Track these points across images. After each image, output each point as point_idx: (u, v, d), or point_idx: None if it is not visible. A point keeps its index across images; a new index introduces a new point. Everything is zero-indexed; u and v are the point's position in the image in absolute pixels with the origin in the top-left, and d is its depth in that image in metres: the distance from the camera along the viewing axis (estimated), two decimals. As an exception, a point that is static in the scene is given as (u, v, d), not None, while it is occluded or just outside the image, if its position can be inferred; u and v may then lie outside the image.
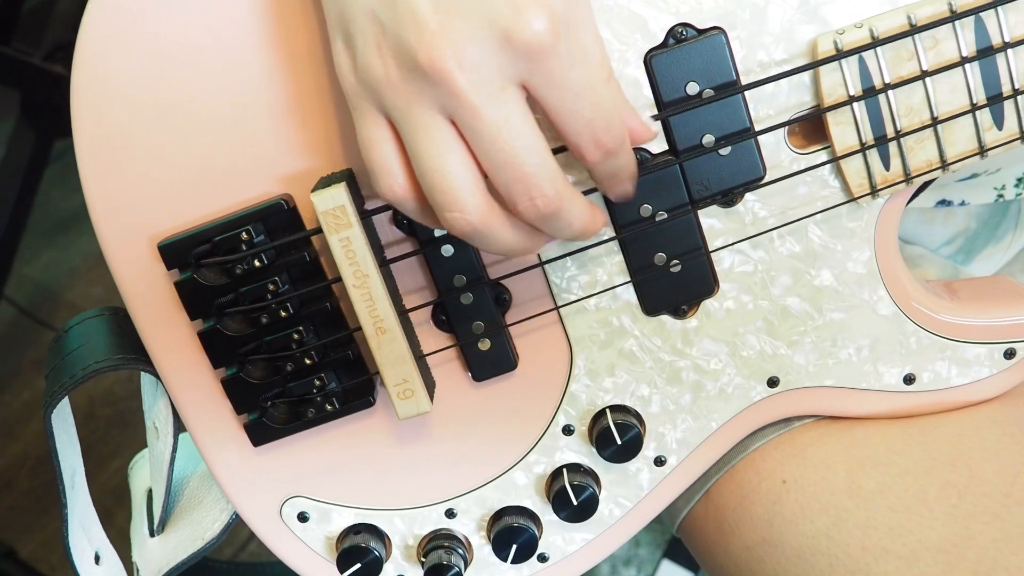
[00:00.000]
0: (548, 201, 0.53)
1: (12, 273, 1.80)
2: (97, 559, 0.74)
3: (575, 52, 0.51)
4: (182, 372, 0.67)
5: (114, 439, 1.49)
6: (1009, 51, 0.58)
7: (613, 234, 0.63)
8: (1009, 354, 0.67)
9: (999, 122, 0.60)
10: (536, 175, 0.53)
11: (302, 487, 0.69)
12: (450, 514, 0.70)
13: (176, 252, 0.63)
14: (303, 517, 0.70)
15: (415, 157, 0.53)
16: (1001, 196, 0.79)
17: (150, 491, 0.76)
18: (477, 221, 0.54)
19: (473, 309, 0.64)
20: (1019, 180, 0.78)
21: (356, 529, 0.70)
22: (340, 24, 0.54)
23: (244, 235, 0.62)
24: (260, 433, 0.67)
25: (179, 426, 0.71)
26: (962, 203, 0.78)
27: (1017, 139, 0.60)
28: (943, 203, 0.78)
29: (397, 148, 0.54)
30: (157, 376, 0.68)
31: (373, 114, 0.54)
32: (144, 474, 0.78)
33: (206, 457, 0.69)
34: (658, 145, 0.61)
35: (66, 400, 0.71)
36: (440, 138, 0.52)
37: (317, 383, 0.65)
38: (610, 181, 0.57)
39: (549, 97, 0.52)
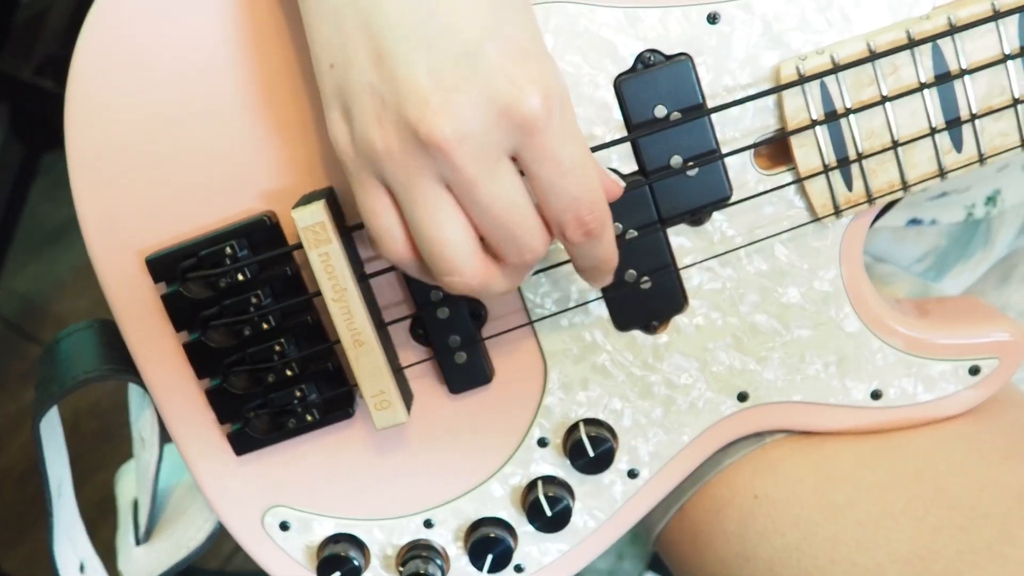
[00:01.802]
0: (536, 255, 0.57)
1: (-1, 286, 1.82)
2: (82, 568, 0.75)
3: (567, 130, 0.54)
4: (168, 383, 0.69)
5: (99, 452, 1.49)
6: (966, 77, 0.60)
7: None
8: (974, 371, 0.69)
9: (958, 145, 0.62)
10: (527, 235, 0.56)
11: (284, 496, 0.71)
12: (428, 524, 0.71)
13: (163, 266, 0.65)
14: (284, 526, 0.71)
15: (414, 226, 0.56)
16: (971, 214, 0.80)
17: (136, 501, 0.78)
18: (475, 283, 0.56)
19: (449, 323, 0.66)
20: (988, 199, 0.80)
21: (336, 539, 0.71)
22: (337, 97, 0.56)
23: (228, 250, 0.64)
24: (243, 442, 0.69)
25: (165, 437, 0.73)
26: (932, 222, 0.80)
27: (976, 162, 0.62)
28: (914, 222, 0.80)
29: (397, 215, 0.56)
30: (144, 387, 0.70)
31: (372, 184, 0.56)
32: (130, 484, 0.80)
33: (190, 466, 0.71)
34: (628, 166, 0.63)
35: (55, 410, 0.72)
36: (438, 208, 0.55)
37: (298, 394, 0.67)
38: (592, 272, 0.60)
39: (539, 171, 0.54)
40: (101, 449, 1.53)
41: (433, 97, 0.52)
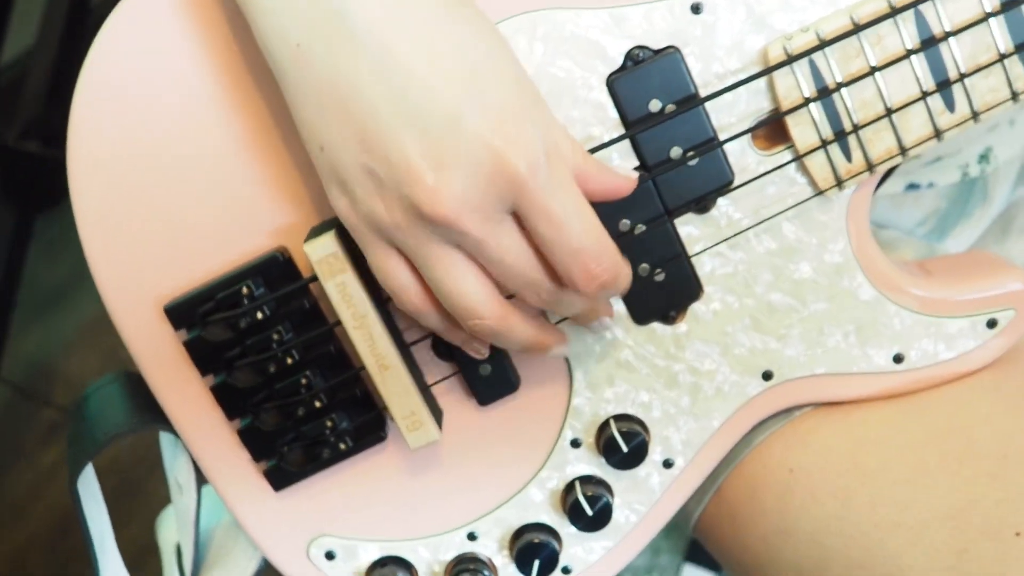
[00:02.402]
0: (551, 292, 0.59)
1: (5, 353, 1.81)
2: (134, 618, 0.76)
3: (556, 183, 0.56)
4: (199, 427, 0.70)
5: (124, 508, 1.49)
6: (951, 39, 0.61)
7: None
8: (991, 324, 0.69)
9: (950, 105, 0.63)
10: (541, 278, 0.58)
11: (326, 526, 0.72)
12: (472, 537, 0.72)
13: (182, 313, 0.66)
14: (330, 555, 0.72)
15: (432, 282, 0.58)
16: (966, 174, 0.81)
17: (179, 545, 0.78)
18: (496, 324, 0.59)
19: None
20: (981, 157, 0.81)
21: (383, 562, 0.72)
22: (333, 175, 0.57)
23: (245, 290, 0.65)
24: (280, 478, 0.69)
25: (201, 479, 0.73)
26: (930, 185, 0.81)
27: (970, 119, 0.63)
28: (912, 187, 0.81)
29: (411, 272, 0.59)
30: (176, 434, 0.71)
31: (382, 246, 0.58)
32: (171, 529, 0.81)
33: (230, 507, 0.72)
34: (629, 162, 0.64)
35: (90, 467, 0.73)
36: (452, 264, 0.57)
37: (329, 424, 0.68)
38: (582, 319, 0.64)
39: (536, 225, 0.57)
40: (126, 505, 1.53)
41: (427, 176, 0.54)
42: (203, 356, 0.66)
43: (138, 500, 1.56)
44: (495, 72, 0.55)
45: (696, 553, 1.26)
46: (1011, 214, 0.88)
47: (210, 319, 0.65)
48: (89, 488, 0.73)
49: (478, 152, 0.54)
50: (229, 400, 0.68)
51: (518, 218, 0.57)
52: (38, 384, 1.87)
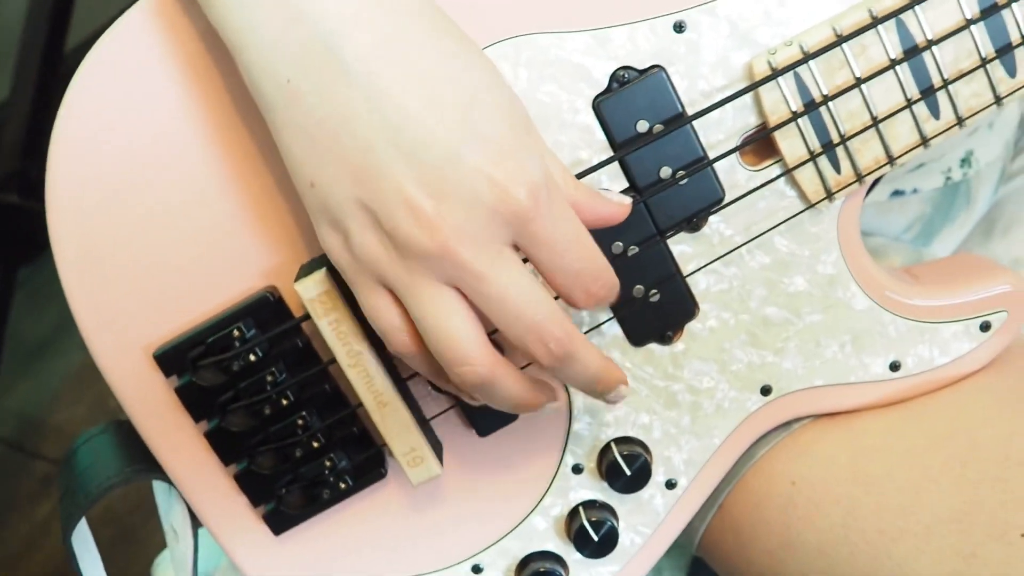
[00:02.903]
0: (561, 343, 0.57)
1: (-7, 407, 1.79)
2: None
3: (556, 212, 0.55)
4: (194, 475, 0.68)
5: (121, 557, 1.47)
6: (933, 47, 0.61)
7: None
8: (985, 327, 0.69)
9: (936, 112, 0.63)
10: (547, 322, 0.56)
11: (329, 567, 0.70)
12: (476, 570, 0.71)
13: (172, 359, 0.65)
14: (334, 596, 0.71)
15: (420, 323, 0.56)
16: (949, 178, 0.82)
17: (179, 594, 0.77)
18: (486, 372, 0.57)
19: (467, 368, 0.66)
20: (963, 161, 0.82)
21: (387, 599, 0.71)
22: (323, 213, 0.56)
23: (236, 332, 0.64)
24: (279, 522, 0.68)
25: (196, 523, 0.72)
26: (914, 191, 0.81)
27: (955, 125, 0.63)
28: (897, 193, 0.81)
29: (400, 312, 0.57)
30: (170, 482, 0.70)
31: (372, 285, 0.57)
32: (168, 574, 0.79)
33: (230, 553, 0.70)
34: (618, 184, 0.64)
35: (83, 521, 0.72)
36: (443, 304, 0.55)
37: (328, 464, 0.67)
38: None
39: (538, 256, 0.56)
40: (122, 554, 1.51)
41: (425, 207, 0.53)
42: (196, 402, 0.65)
43: (134, 548, 1.54)
44: (490, 103, 0.55)
45: (698, 571, 1.26)
46: (993, 216, 0.89)
47: (201, 364, 0.64)
48: (84, 542, 0.72)
49: (479, 185, 0.53)
50: (224, 445, 0.66)
51: (516, 249, 0.56)
52: (28, 437, 1.85)
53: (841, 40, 0.60)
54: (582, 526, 0.69)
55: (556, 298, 0.58)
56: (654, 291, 0.66)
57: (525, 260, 0.57)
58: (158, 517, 0.75)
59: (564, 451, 0.69)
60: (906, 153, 0.63)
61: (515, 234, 0.55)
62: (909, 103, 0.62)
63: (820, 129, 0.62)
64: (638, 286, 0.65)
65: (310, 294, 0.60)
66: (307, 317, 0.63)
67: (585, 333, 0.67)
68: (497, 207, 0.53)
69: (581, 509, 0.70)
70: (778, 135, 0.62)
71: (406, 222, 0.53)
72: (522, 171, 0.54)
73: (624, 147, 0.63)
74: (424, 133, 0.53)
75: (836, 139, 0.62)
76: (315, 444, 0.66)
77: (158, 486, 0.74)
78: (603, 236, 0.61)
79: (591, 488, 0.70)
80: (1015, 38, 0.61)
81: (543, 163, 0.56)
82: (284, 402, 0.65)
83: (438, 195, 0.53)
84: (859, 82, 0.61)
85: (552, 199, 0.55)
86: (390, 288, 0.56)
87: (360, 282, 0.57)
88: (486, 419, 0.68)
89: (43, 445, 1.82)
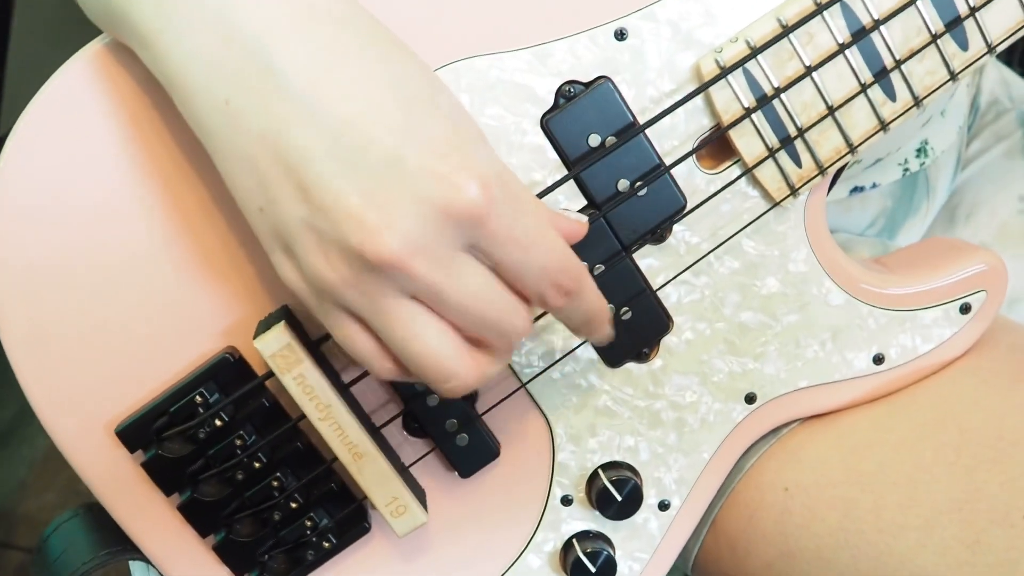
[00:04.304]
0: (522, 332, 0.55)
1: (-41, 502, 1.75)
2: None
3: (513, 206, 0.52)
4: (171, 551, 0.66)
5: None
6: (881, 27, 0.60)
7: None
8: (964, 309, 0.68)
9: (891, 95, 0.61)
10: (508, 318, 0.54)
11: (321, 631, 0.68)
12: (474, 615, 0.69)
13: (135, 433, 0.62)
14: (329, 660, 0.68)
15: (393, 345, 0.53)
16: (907, 170, 0.81)
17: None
18: (473, 381, 0.54)
19: (442, 409, 0.64)
20: (919, 151, 0.81)
21: (385, 658, 0.69)
22: (275, 238, 0.54)
23: (198, 398, 0.62)
24: (265, 589, 0.66)
25: (181, 603, 0.70)
26: (873, 186, 0.81)
27: (912, 106, 0.62)
28: (856, 190, 0.80)
29: (372, 337, 0.54)
30: (147, 561, 0.67)
31: (337, 312, 0.54)
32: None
33: (217, 628, 0.68)
34: (577, 202, 0.62)
35: (62, 611, 0.69)
36: (409, 320, 0.52)
37: (309, 524, 0.64)
38: (586, 327, 0.58)
39: (500, 255, 0.52)
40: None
41: (369, 217, 0.50)
42: (165, 475, 0.63)
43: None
44: (433, 106, 0.52)
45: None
46: (955, 202, 0.88)
47: (166, 435, 0.62)
48: (63, 634, 0.69)
49: (425, 185, 0.50)
50: (199, 516, 0.64)
51: (474, 253, 0.53)
52: (-2, 529, 1.81)
53: (787, 31, 0.59)
54: (578, 559, 0.67)
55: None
56: (625, 309, 0.64)
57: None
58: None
59: (551, 483, 0.67)
60: (866, 139, 0.62)
61: (471, 237, 0.51)
62: (863, 88, 0.61)
63: (776, 124, 0.61)
64: (609, 306, 0.63)
65: (271, 350, 0.58)
66: (271, 375, 0.61)
67: (558, 359, 0.65)
68: (447, 206, 0.50)
69: (575, 541, 0.68)
70: (734, 134, 0.61)
71: (352, 236, 0.50)
72: (471, 165, 0.51)
73: (578, 163, 0.61)
74: (364, 138, 0.50)
75: (793, 132, 0.61)
76: (293, 505, 0.64)
77: (135, 567, 0.71)
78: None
79: (583, 518, 0.68)
80: (963, 10, 0.60)
81: (494, 156, 0.53)
82: (257, 465, 0.63)
83: (383, 203, 0.50)
84: (809, 71, 0.60)
85: (507, 192, 0.52)
86: (355, 314, 0.53)
87: (323, 311, 0.54)
88: (467, 459, 0.65)
89: (15, 535, 1.78)
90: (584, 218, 0.58)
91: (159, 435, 0.62)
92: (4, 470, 1.84)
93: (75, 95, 0.60)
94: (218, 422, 0.62)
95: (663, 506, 0.68)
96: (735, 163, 0.63)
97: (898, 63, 0.61)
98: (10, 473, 1.84)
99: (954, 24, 0.60)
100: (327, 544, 0.65)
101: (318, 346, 0.62)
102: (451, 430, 0.64)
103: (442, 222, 0.50)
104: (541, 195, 0.61)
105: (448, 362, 0.53)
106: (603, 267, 0.62)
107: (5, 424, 1.81)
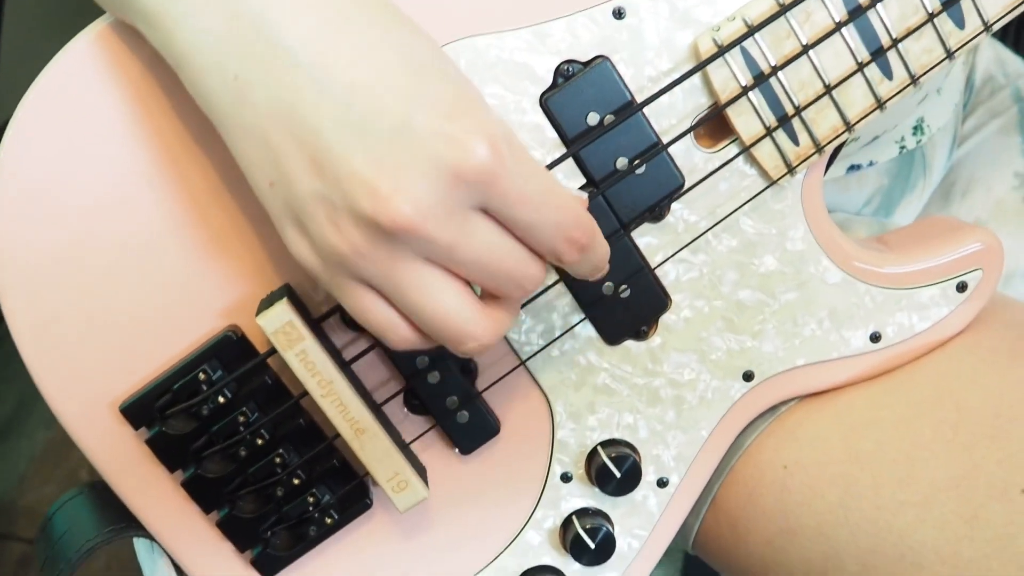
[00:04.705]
0: (538, 281, 0.55)
1: (-39, 495, 1.76)
2: None
3: (522, 165, 0.52)
4: (175, 527, 0.66)
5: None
6: (878, 5, 0.60)
7: (557, 277, 0.64)
8: (961, 287, 0.68)
9: (888, 73, 0.62)
10: (523, 269, 0.54)
11: (323, 606, 0.69)
12: (474, 591, 0.69)
13: (139, 411, 0.63)
14: (332, 636, 0.69)
15: (410, 311, 0.54)
16: (904, 148, 0.81)
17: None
18: (491, 339, 0.55)
19: (442, 386, 0.64)
20: (915, 129, 0.81)
21: (387, 632, 0.69)
22: (286, 213, 0.54)
23: (202, 375, 0.62)
24: (268, 565, 0.66)
25: (185, 579, 0.70)
26: (870, 164, 0.81)
27: (909, 84, 0.62)
28: (853, 168, 0.81)
29: (388, 306, 0.55)
30: (151, 538, 0.67)
31: (352, 285, 0.54)
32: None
33: (221, 604, 0.68)
34: (575, 181, 0.62)
35: (66, 588, 0.70)
36: (426, 284, 0.53)
37: (311, 500, 0.65)
38: (592, 275, 0.58)
39: (513, 215, 0.53)
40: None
41: (382, 183, 0.50)
42: (168, 452, 0.63)
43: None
44: (439, 72, 0.53)
45: (692, 573, 1.25)
46: (951, 180, 0.89)
47: (170, 412, 0.62)
48: (68, 611, 0.70)
49: (436, 148, 0.50)
50: (203, 493, 0.64)
51: (485, 212, 0.53)
52: (0, 522, 1.82)
53: (784, 9, 0.60)
54: (577, 535, 0.67)
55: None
56: (624, 287, 0.64)
57: None
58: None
59: (551, 461, 0.68)
60: (863, 118, 0.62)
61: (483, 196, 0.52)
62: (860, 66, 0.61)
63: (773, 102, 0.61)
64: (607, 283, 0.64)
65: (273, 326, 0.58)
66: (273, 351, 0.61)
67: (558, 337, 0.65)
68: (458, 168, 0.50)
69: (575, 518, 0.68)
70: (731, 113, 0.61)
71: (365, 204, 0.50)
72: (480, 126, 0.51)
73: (577, 142, 0.61)
74: (373, 107, 0.51)
75: (791, 111, 0.61)
76: (296, 481, 0.64)
77: (140, 544, 0.71)
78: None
79: (582, 495, 0.68)
80: (960, -12, 0.61)
81: (500, 120, 0.53)
82: (259, 442, 0.63)
83: (394, 169, 0.50)
84: (807, 49, 0.60)
85: (515, 152, 0.52)
86: (370, 284, 0.54)
87: (338, 284, 0.54)
88: (468, 436, 0.66)
89: (16, 527, 1.79)
90: (584, 194, 0.59)
91: (163, 412, 0.62)
92: (4, 464, 1.85)
93: (79, 76, 0.60)
94: (221, 399, 0.62)
95: (662, 483, 0.69)
96: (733, 142, 0.63)
97: (895, 42, 0.61)
98: (10, 467, 1.85)
99: (951, 2, 0.61)
100: (329, 520, 0.65)
101: (319, 324, 0.62)
102: (451, 407, 0.65)
103: (453, 183, 0.51)
104: (540, 173, 0.61)
105: (467, 324, 0.54)
106: (602, 245, 0.63)
107: (4, 419, 1.82)
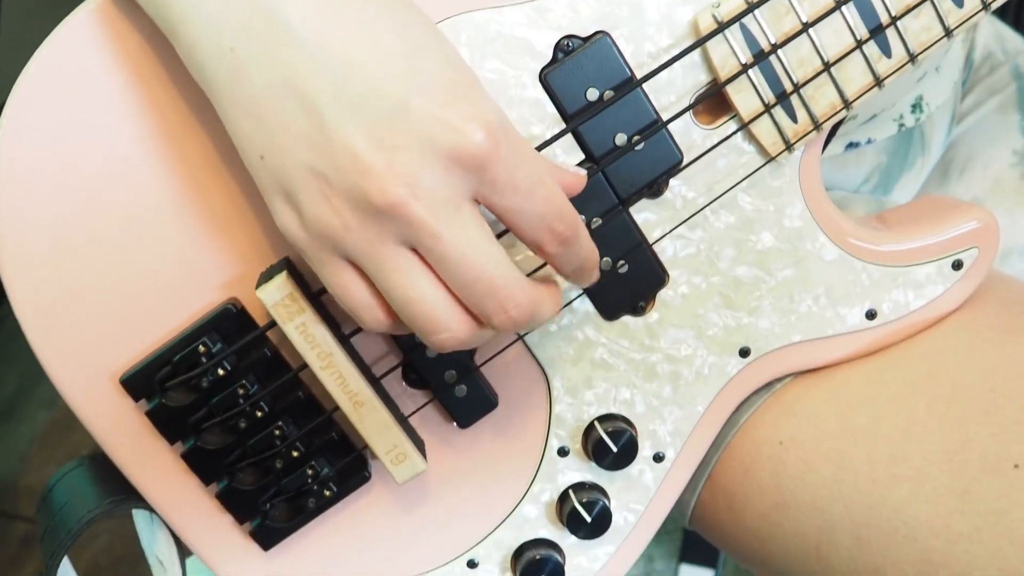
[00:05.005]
0: (522, 309, 0.55)
1: (-37, 477, 1.77)
2: None
3: (515, 153, 0.53)
4: (175, 499, 0.67)
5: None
6: (878, -18, 0.60)
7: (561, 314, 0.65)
8: (956, 265, 0.69)
9: (887, 51, 0.62)
10: (506, 286, 0.54)
11: (322, 577, 0.69)
12: (472, 564, 0.70)
13: (139, 382, 0.63)
14: (330, 607, 0.69)
15: (388, 293, 0.54)
16: (902, 125, 0.81)
17: (172, 625, 0.75)
18: (464, 335, 0.55)
19: (441, 360, 0.65)
20: (914, 107, 0.81)
21: (385, 604, 0.70)
22: (276, 186, 0.54)
23: (201, 348, 0.62)
24: (267, 536, 0.67)
25: (183, 552, 0.71)
26: (869, 141, 0.81)
27: (907, 62, 0.62)
28: (852, 146, 0.81)
29: (367, 286, 0.55)
30: (150, 509, 0.68)
31: (335, 261, 0.54)
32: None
33: (220, 574, 0.69)
34: (575, 156, 0.63)
35: (67, 560, 0.70)
36: (407, 270, 0.53)
37: (310, 472, 0.65)
38: (577, 275, 0.59)
39: (501, 202, 0.53)
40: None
41: (377, 161, 0.51)
42: (168, 424, 0.64)
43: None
44: (436, 52, 0.53)
45: (690, 553, 1.26)
46: (949, 157, 0.89)
47: (170, 384, 0.63)
48: (69, 581, 0.70)
49: (432, 131, 0.51)
50: (203, 465, 0.65)
51: (477, 203, 0.53)
52: (2, 502, 1.82)
53: (784, -14, 0.60)
54: (574, 509, 0.68)
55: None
56: (622, 262, 0.65)
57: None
58: (144, 566, 0.73)
59: (548, 435, 0.68)
60: (861, 95, 0.63)
61: (475, 182, 0.52)
62: (859, 44, 0.61)
63: (772, 79, 0.61)
64: (605, 259, 0.64)
65: (273, 299, 0.59)
66: (273, 324, 0.62)
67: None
68: (453, 152, 0.51)
69: (571, 492, 0.69)
70: (730, 89, 0.62)
71: (357, 181, 0.51)
72: (477, 112, 0.51)
73: (576, 117, 0.62)
74: (370, 85, 0.51)
75: (789, 88, 0.62)
76: (295, 454, 0.65)
77: (139, 516, 0.72)
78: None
79: (579, 470, 0.69)
80: (958, -33, 0.61)
81: (496, 104, 0.53)
82: (259, 414, 0.64)
83: (389, 148, 0.51)
84: (806, 26, 0.60)
85: (509, 140, 0.52)
86: (352, 261, 0.54)
87: (320, 259, 0.55)
88: (466, 410, 0.66)
89: (18, 506, 1.79)
90: (583, 171, 0.59)
91: (163, 385, 0.63)
92: (6, 444, 1.86)
93: (77, 49, 0.60)
94: (220, 372, 0.63)
95: (658, 458, 0.69)
96: (731, 118, 0.63)
97: (894, 19, 0.61)
98: (11, 449, 1.86)
99: (950, -20, 0.61)
100: (328, 492, 0.66)
101: (319, 297, 0.63)
102: (450, 381, 0.65)
103: (447, 167, 0.51)
104: (540, 148, 0.62)
105: (440, 313, 0.54)
106: (600, 220, 0.63)
107: (6, 401, 1.82)
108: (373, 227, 0.52)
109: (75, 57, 0.60)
